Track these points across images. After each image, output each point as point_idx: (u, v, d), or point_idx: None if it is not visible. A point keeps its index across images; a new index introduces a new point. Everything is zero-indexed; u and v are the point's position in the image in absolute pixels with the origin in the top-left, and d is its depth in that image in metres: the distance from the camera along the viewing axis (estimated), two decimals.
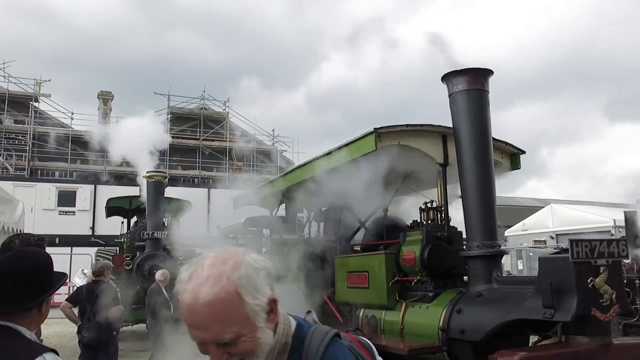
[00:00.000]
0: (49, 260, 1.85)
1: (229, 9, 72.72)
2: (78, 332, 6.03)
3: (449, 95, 4.29)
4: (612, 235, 15.23)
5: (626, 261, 7.65)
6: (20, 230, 7.73)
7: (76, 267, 14.39)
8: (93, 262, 9.89)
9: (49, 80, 32.16)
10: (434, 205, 4.85)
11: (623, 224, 11.10)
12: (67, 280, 1.96)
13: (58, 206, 23.87)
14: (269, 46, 69.20)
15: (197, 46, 66.14)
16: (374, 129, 4.49)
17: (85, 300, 5.87)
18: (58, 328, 11.02)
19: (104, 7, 62.02)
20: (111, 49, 60.24)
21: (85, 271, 10.49)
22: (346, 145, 4.90)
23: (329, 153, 5.22)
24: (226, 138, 34.99)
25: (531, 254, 16.07)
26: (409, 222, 5.30)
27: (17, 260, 1.78)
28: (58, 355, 1.72)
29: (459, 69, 4.17)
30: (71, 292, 7.46)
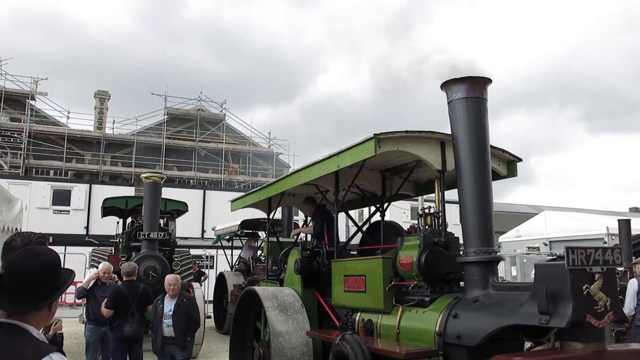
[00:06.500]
0: (57, 259, 1.88)
1: (232, 24, 72.91)
2: (112, 330, 6.33)
3: (448, 103, 4.35)
4: (605, 242, 15.35)
5: (619, 269, 7.72)
6: (18, 229, 7.73)
7: (70, 266, 14.27)
8: (88, 262, 9.78)
9: (46, 79, 32.15)
10: (432, 210, 4.90)
11: (616, 231, 11.19)
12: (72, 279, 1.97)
13: (53, 205, 23.77)
14: (269, 58, 69.43)
15: (199, 58, 66.22)
16: (374, 134, 4.53)
17: (129, 297, 6.33)
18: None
19: (108, 19, 62.25)
20: (113, 55, 60.36)
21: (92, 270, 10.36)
22: (346, 150, 4.94)
23: (329, 157, 5.25)
24: (222, 140, 34.99)
25: (525, 260, 16.15)
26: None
27: (28, 260, 1.77)
28: (64, 355, 1.75)
29: (458, 77, 4.23)
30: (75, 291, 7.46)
